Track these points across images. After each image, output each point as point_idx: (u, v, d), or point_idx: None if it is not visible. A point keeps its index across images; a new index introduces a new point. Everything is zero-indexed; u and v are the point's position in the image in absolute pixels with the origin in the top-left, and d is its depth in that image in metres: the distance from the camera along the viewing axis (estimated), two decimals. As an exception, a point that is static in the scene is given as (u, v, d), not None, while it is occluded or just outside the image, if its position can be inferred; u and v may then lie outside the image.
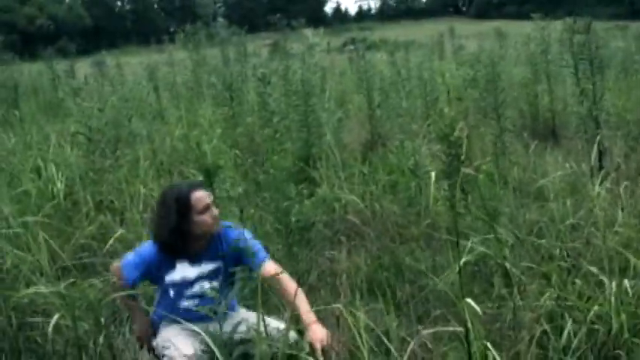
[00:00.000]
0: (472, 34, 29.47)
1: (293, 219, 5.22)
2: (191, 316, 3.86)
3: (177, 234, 3.93)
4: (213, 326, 3.66)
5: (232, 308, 4.13)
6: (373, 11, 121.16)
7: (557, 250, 4.78)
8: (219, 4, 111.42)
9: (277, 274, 3.95)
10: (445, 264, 4.92)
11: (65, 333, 4.39)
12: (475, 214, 5.14)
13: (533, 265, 4.56)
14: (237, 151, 7.85)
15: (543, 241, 4.97)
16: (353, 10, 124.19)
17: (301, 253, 5.24)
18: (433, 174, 6.13)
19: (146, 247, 4.14)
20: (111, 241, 5.72)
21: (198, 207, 3.94)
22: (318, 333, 3.74)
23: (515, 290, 4.09)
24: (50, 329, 4.08)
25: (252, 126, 8.35)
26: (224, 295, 3.72)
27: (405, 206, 6.23)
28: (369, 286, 4.97)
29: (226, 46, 16.70)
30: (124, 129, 8.10)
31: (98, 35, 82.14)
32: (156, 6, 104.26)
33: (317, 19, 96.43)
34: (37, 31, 80.00)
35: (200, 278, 4.06)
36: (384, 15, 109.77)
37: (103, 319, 4.39)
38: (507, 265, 4.37)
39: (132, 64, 19.27)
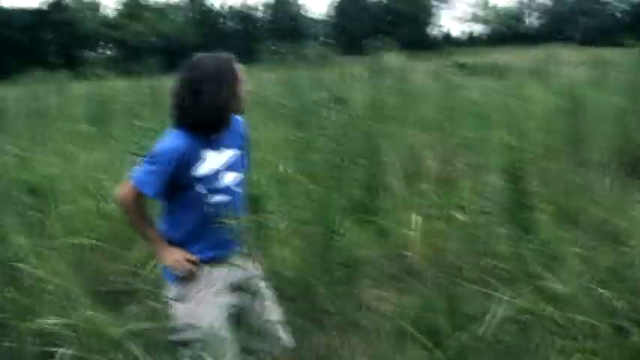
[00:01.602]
0: (575, 61, 28.73)
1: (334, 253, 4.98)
2: (212, 218, 3.62)
3: (220, 108, 3.53)
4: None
5: None
6: (483, 36, 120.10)
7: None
8: (326, 25, 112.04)
9: None
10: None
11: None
12: (534, 258, 4.75)
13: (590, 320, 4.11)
14: (300, 176, 7.58)
15: (605, 292, 4.49)
16: (462, 35, 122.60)
17: (343, 289, 4.97)
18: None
19: (164, 146, 3.57)
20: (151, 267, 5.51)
21: (241, 78, 3.60)
22: None
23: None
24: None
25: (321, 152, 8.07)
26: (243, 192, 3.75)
27: (466, 245, 5.84)
28: (417, 330, 4.62)
29: (314, 68, 16.55)
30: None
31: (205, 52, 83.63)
32: (264, 26, 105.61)
33: (422, 42, 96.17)
34: (145, 48, 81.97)
35: (227, 168, 3.72)
36: (491, 39, 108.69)
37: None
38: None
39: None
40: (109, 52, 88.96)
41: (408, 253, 5.92)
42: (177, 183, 3.60)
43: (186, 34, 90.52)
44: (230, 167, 3.71)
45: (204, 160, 3.62)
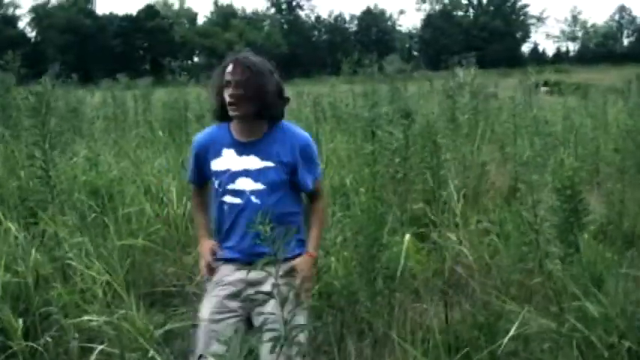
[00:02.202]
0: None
1: (379, 265, 5.03)
2: (234, 217, 3.71)
3: (215, 111, 3.76)
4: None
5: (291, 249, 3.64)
6: (572, 54, 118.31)
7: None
8: (415, 39, 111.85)
9: (317, 195, 3.87)
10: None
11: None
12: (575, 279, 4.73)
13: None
14: (361, 188, 7.65)
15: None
16: (551, 52, 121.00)
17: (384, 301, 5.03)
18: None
19: (195, 136, 3.94)
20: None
21: (227, 81, 3.64)
22: (302, 264, 3.68)
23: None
24: (93, 357, 4.00)
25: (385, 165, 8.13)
26: (269, 205, 3.58)
27: (516, 262, 5.82)
28: (457, 345, 4.65)
29: (394, 81, 16.54)
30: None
31: (294, 63, 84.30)
32: (353, 37, 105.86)
33: (514, 58, 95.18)
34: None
35: (244, 174, 3.70)
36: (583, 58, 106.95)
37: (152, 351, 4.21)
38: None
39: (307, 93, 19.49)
40: (196, 60, 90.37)
41: (458, 269, 5.93)
42: (204, 173, 3.85)
43: (276, 44, 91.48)
44: (250, 174, 3.69)
45: (221, 157, 3.74)
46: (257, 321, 3.62)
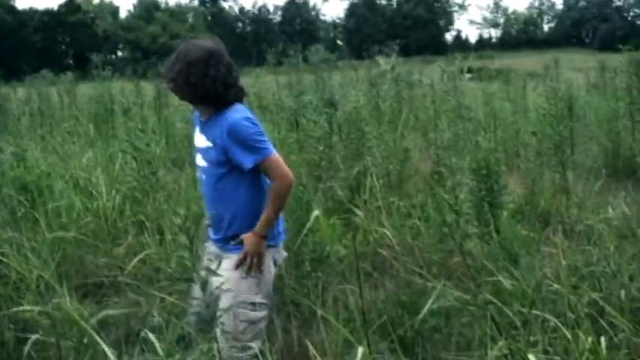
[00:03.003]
0: (587, 67, 28.69)
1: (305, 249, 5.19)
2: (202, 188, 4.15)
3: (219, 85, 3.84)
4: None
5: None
6: (494, 40, 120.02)
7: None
8: (339, 29, 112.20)
9: (269, 175, 3.89)
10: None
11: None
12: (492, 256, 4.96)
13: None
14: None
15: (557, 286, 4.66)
16: (474, 39, 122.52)
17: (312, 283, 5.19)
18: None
19: None
20: (134, 262, 5.75)
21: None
22: (249, 243, 3.85)
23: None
24: (27, 347, 4.06)
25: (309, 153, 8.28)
26: (215, 183, 3.92)
27: (437, 242, 6.03)
28: (382, 324, 4.82)
29: (318, 71, 16.66)
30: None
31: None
32: (277, 28, 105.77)
33: (438, 46, 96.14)
34: (159, 49, 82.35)
35: (198, 151, 4.03)
36: (505, 44, 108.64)
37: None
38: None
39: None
40: (119, 54, 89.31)
41: (382, 251, 6.12)
42: None
43: (200, 36, 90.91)
44: (200, 152, 4.00)
45: (196, 133, 4.09)
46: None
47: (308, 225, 4.96)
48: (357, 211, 6.79)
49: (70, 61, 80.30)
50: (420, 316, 4.36)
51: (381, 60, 11.76)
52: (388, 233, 6.17)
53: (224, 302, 3.71)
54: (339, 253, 5.97)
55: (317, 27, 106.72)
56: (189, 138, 4.20)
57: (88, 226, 6.70)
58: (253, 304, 3.88)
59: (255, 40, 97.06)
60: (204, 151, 3.95)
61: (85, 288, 5.91)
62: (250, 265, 3.86)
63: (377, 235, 6.41)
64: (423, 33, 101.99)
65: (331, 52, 32.94)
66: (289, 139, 8.59)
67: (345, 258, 5.95)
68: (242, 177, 3.89)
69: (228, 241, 3.93)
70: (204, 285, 3.27)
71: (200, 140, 3.99)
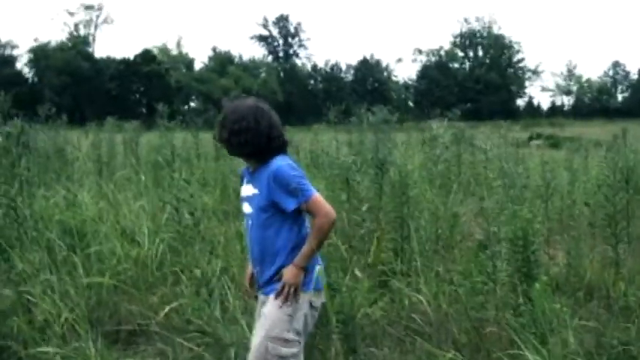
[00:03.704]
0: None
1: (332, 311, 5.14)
2: (247, 237, 4.45)
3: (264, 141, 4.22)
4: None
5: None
6: (567, 107, 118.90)
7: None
8: (410, 90, 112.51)
9: (312, 214, 4.19)
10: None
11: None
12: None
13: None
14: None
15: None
16: (546, 105, 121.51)
17: (338, 346, 5.13)
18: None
19: None
20: (165, 311, 5.78)
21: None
22: (287, 274, 4.13)
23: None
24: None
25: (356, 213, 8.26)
26: (260, 227, 4.24)
27: (469, 311, 5.93)
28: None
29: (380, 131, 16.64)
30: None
31: (289, 110, 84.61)
32: (348, 87, 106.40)
33: (509, 111, 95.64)
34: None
35: (246, 200, 4.38)
36: (577, 112, 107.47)
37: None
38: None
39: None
40: (192, 105, 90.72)
41: (415, 316, 6.05)
42: None
43: (272, 91, 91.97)
44: (248, 200, 4.36)
45: (243, 184, 4.48)
46: None
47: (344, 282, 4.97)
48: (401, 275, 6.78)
49: (143, 110, 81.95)
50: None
51: (433, 123, 11.71)
52: (422, 299, 6.11)
53: (257, 338, 4.13)
54: (374, 314, 5.93)
55: (388, 87, 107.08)
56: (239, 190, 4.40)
57: (127, 272, 6.77)
58: (285, 340, 4.12)
59: (326, 97, 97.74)
60: (251, 199, 4.31)
61: (116, 334, 5.96)
62: (287, 295, 4.12)
63: (412, 301, 6.35)
64: (495, 97, 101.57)
65: (400, 113, 32.97)
66: (340, 198, 8.62)
67: (377, 321, 5.91)
68: (285, 219, 4.22)
69: (270, 282, 4.24)
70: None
71: (247, 190, 4.36)
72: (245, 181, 4.43)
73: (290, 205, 4.14)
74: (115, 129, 19.26)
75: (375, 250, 7.61)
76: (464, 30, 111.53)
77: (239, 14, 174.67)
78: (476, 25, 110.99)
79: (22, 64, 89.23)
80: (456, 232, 8.81)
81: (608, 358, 4.83)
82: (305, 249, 4.15)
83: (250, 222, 4.33)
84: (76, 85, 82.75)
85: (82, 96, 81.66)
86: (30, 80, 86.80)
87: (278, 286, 4.15)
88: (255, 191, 4.26)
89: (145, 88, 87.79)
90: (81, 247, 6.65)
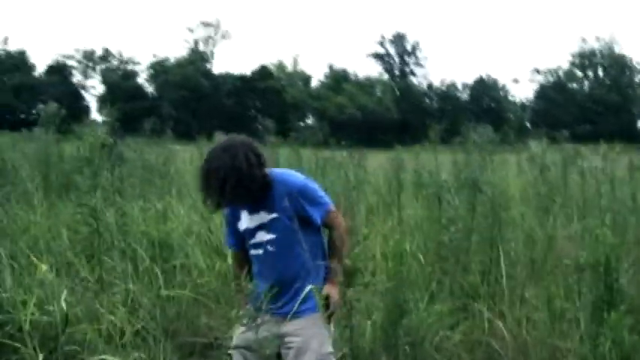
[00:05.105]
0: None
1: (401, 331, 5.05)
2: (259, 266, 4.28)
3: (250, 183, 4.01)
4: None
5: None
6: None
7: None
8: (527, 110, 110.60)
9: (331, 226, 4.26)
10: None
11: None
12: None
13: None
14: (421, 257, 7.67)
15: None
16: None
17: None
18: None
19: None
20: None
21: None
22: (333, 292, 4.11)
23: None
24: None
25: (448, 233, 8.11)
26: (284, 248, 4.14)
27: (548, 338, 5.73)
28: None
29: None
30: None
31: (404, 129, 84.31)
32: (464, 106, 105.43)
33: (630, 133, 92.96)
34: (345, 120, 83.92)
35: (259, 228, 4.21)
36: None
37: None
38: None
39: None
40: (308, 122, 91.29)
41: (493, 342, 5.89)
42: (239, 234, 4.39)
43: (387, 109, 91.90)
44: (263, 228, 4.20)
45: (241, 219, 4.29)
46: None
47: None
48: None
49: (259, 126, 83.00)
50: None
51: (532, 143, 11.46)
52: (501, 325, 5.94)
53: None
54: (451, 339, 5.81)
55: (504, 107, 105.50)
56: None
57: (209, 285, 6.81)
58: (330, 354, 4.17)
59: (441, 116, 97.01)
60: (269, 225, 4.18)
61: (192, 346, 5.99)
62: (333, 312, 4.15)
63: (493, 326, 6.17)
64: (615, 119, 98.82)
65: (516, 134, 32.44)
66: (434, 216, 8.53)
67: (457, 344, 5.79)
68: (311, 235, 4.21)
69: (302, 302, 4.14)
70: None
71: (255, 219, 4.22)
72: (246, 213, 4.27)
73: (318, 217, 4.18)
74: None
75: (462, 271, 7.45)
76: (583, 49, 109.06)
77: (356, 32, 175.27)
78: (596, 45, 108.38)
79: (142, 79, 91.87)
80: (552, 256, 8.54)
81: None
82: (338, 263, 4.12)
83: (271, 248, 4.20)
84: (195, 101, 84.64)
85: (200, 111, 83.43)
86: (150, 95, 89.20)
87: (313, 312, 4.13)
88: (273, 215, 4.16)
89: (262, 104, 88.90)
90: (164, 258, 6.73)
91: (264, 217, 4.19)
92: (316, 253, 4.24)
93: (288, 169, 4.52)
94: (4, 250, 5.64)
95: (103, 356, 4.56)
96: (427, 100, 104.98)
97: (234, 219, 4.36)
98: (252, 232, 4.26)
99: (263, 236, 4.21)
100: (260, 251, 4.26)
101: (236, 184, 3.92)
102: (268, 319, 4.06)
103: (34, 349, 4.50)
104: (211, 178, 3.97)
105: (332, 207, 4.28)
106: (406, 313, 5.03)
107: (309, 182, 4.29)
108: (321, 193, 4.29)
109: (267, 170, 4.16)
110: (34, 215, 8.26)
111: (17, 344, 4.55)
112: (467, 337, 6.08)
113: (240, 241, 4.42)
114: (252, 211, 4.21)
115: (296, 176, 4.29)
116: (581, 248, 5.90)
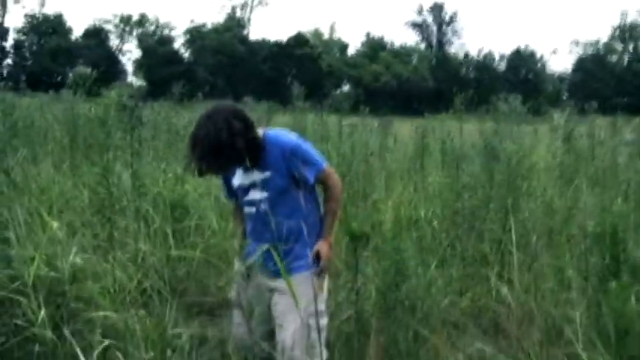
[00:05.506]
0: None
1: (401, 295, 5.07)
2: (252, 223, 4.41)
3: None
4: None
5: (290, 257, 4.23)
6: None
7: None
8: (565, 82, 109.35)
9: (326, 185, 4.42)
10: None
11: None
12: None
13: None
14: (435, 224, 7.68)
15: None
16: None
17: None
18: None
19: None
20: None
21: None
22: (324, 249, 4.30)
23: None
24: (95, 353, 4.19)
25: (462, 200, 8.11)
26: (277, 206, 4.24)
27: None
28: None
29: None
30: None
31: (439, 98, 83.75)
32: (501, 76, 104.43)
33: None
34: (380, 88, 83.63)
35: (253, 186, 4.34)
36: None
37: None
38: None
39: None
40: (345, 89, 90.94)
41: (499, 309, 5.90)
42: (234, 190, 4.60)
43: (423, 78, 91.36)
44: (257, 186, 4.32)
45: (235, 175, 4.47)
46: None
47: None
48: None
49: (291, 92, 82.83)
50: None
51: (555, 114, 11.35)
52: (507, 292, 5.94)
53: (292, 316, 4.15)
54: (458, 304, 5.84)
55: (541, 78, 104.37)
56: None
57: (218, 246, 6.88)
58: (322, 311, 4.24)
59: (477, 86, 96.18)
60: (263, 183, 4.29)
61: (200, 306, 6.08)
62: (325, 268, 4.33)
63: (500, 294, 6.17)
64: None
65: (552, 106, 32.20)
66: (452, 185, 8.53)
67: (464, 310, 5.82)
68: (305, 194, 4.28)
69: (295, 260, 4.26)
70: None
71: (249, 177, 4.35)
72: (240, 172, 4.40)
73: (311, 176, 4.28)
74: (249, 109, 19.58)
75: (476, 238, 7.46)
76: (624, 22, 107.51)
77: (394, 1, 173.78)
78: (637, 18, 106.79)
79: (179, 44, 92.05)
80: (570, 226, 8.51)
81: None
82: (332, 222, 4.32)
83: (264, 206, 4.29)
84: (230, 67, 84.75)
85: (236, 77, 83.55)
86: (186, 60, 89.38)
87: (305, 270, 4.22)
88: (267, 174, 4.27)
89: (298, 71, 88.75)
90: (178, 219, 6.82)
91: (257, 175, 4.30)
92: (310, 212, 4.33)
93: (282, 129, 4.63)
94: (20, 208, 5.68)
95: (108, 312, 4.62)
96: (463, 70, 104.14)
97: (228, 174, 4.52)
98: (245, 189, 4.40)
99: (256, 194, 4.33)
100: (253, 209, 4.38)
101: (216, 152, 4.03)
102: (260, 276, 4.26)
103: (38, 305, 4.55)
104: (195, 145, 4.07)
105: (326, 166, 4.39)
106: (406, 278, 5.04)
107: (302, 142, 4.36)
108: (315, 152, 4.38)
109: (260, 131, 4.26)
110: (58, 175, 8.35)
111: (21, 298, 4.61)
112: (474, 303, 6.11)
113: (236, 196, 4.62)
114: (246, 169, 4.31)
115: (289, 137, 4.36)
116: (593, 218, 5.84)
